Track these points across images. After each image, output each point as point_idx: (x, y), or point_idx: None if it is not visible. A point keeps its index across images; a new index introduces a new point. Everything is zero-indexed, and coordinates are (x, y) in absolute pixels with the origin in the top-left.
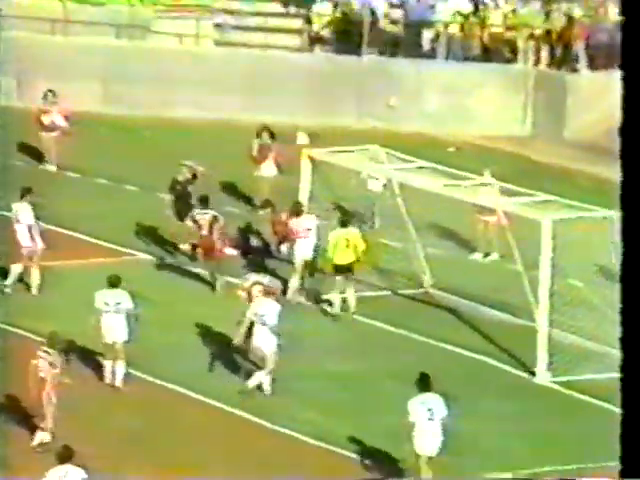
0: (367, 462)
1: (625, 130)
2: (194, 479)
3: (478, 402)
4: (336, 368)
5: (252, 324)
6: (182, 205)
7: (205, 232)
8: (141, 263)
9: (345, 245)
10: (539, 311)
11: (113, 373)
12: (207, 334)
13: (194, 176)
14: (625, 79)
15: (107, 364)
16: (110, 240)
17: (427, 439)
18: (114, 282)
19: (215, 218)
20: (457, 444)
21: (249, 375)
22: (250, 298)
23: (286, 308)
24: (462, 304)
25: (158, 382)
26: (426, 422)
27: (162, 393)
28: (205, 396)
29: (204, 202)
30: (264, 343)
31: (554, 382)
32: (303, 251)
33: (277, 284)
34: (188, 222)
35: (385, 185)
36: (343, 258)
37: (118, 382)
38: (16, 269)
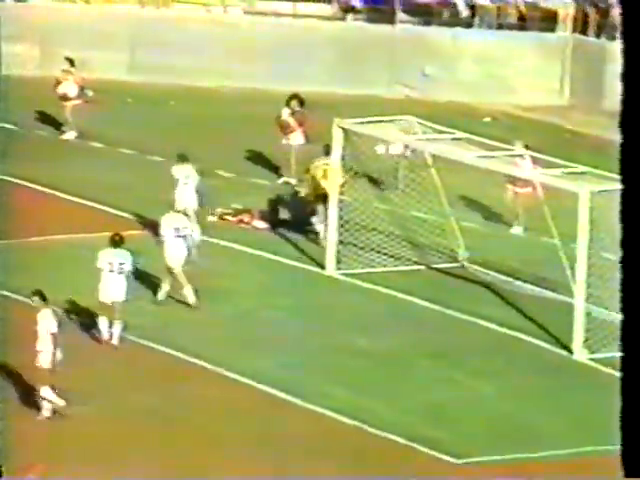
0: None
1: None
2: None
3: (514, 379)
4: (368, 344)
5: None
6: None
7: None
8: None
9: (321, 175)
10: (576, 286)
11: (110, 333)
12: (231, 307)
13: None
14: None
15: (102, 321)
16: (133, 212)
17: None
18: (117, 241)
19: None
20: (492, 422)
21: None
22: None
23: (319, 283)
24: (497, 279)
25: (182, 356)
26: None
27: (182, 367)
28: (229, 370)
29: None
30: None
31: (592, 359)
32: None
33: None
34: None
35: (407, 146)
36: (320, 188)
37: (115, 340)
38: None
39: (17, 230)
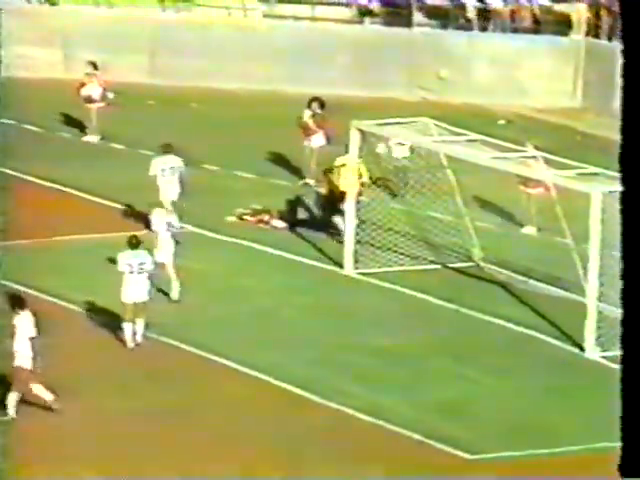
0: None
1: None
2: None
3: (527, 377)
4: (385, 343)
5: None
6: None
7: None
8: (188, 236)
9: (345, 174)
10: (588, 285)
11: (134, 331)
12: (250, 305)
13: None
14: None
15: (127, 327)
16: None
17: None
18: (135, 243)
19: None
20: (506, 419)
21: None
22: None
23: (336, 282)
24: (512, 278)
25: (202, 353)
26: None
27: (202, 364)
28: (249, 368)
29: None
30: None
31: (604, 357)
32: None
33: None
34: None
35: (413, 151)
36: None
37: (138, 339)
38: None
39: (40, 230)
